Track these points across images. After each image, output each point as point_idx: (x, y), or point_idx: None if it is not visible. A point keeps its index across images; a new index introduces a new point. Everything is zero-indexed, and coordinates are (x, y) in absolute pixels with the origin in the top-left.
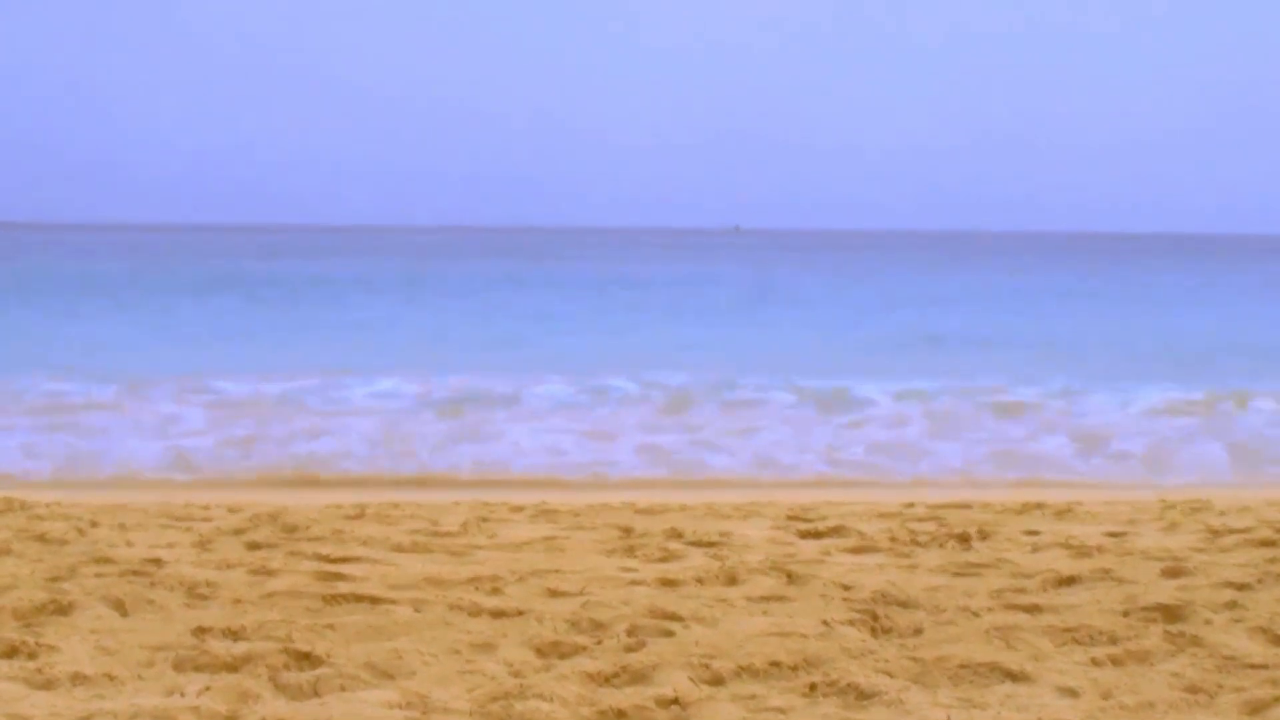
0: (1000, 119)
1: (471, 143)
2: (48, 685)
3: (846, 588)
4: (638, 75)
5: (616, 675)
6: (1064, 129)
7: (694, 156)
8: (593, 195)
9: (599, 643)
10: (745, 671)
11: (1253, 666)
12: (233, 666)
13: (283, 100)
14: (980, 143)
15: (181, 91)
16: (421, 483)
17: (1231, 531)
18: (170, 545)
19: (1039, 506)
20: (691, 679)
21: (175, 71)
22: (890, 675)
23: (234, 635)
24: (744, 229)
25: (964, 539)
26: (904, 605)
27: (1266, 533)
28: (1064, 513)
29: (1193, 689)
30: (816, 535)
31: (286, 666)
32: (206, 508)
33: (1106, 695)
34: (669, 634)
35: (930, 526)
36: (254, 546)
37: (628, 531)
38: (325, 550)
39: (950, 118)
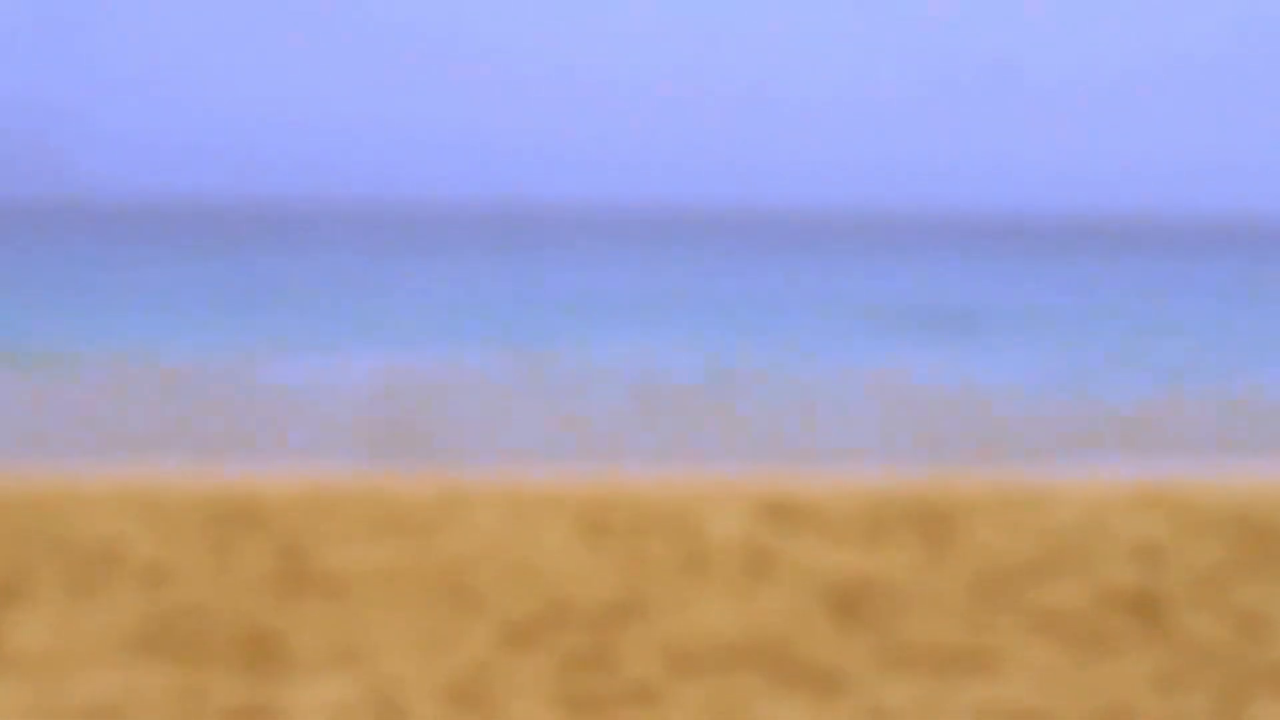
0: (973, 60)
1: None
2: (1, 670)
3: (817, 573)
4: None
5: (584, 661)
6: (1058, 73)
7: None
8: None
9: (566, 629)
10: (714, 658)
11: (1225, 654)
12: (192, 651)
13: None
14: (944, 93)
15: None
16: (395, 460)
17: (1204, 518)
18: (127, 527)
19: (1012, 492)
20: (660, 665)
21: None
22: (860, 662)
23: (194, 619)
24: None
25: (936, 524)
26: (875, 591)
27: (1238, 520)
28: (1037, 499)
29: (1165, 676)
30: (787, 520)
31: (247, 651)
32: (166, 486)
33: (1078, 682)
34: (638, 620)
35: (902, 512)
36: (214, 529)
37: (595, 516)
38: (287, 533)
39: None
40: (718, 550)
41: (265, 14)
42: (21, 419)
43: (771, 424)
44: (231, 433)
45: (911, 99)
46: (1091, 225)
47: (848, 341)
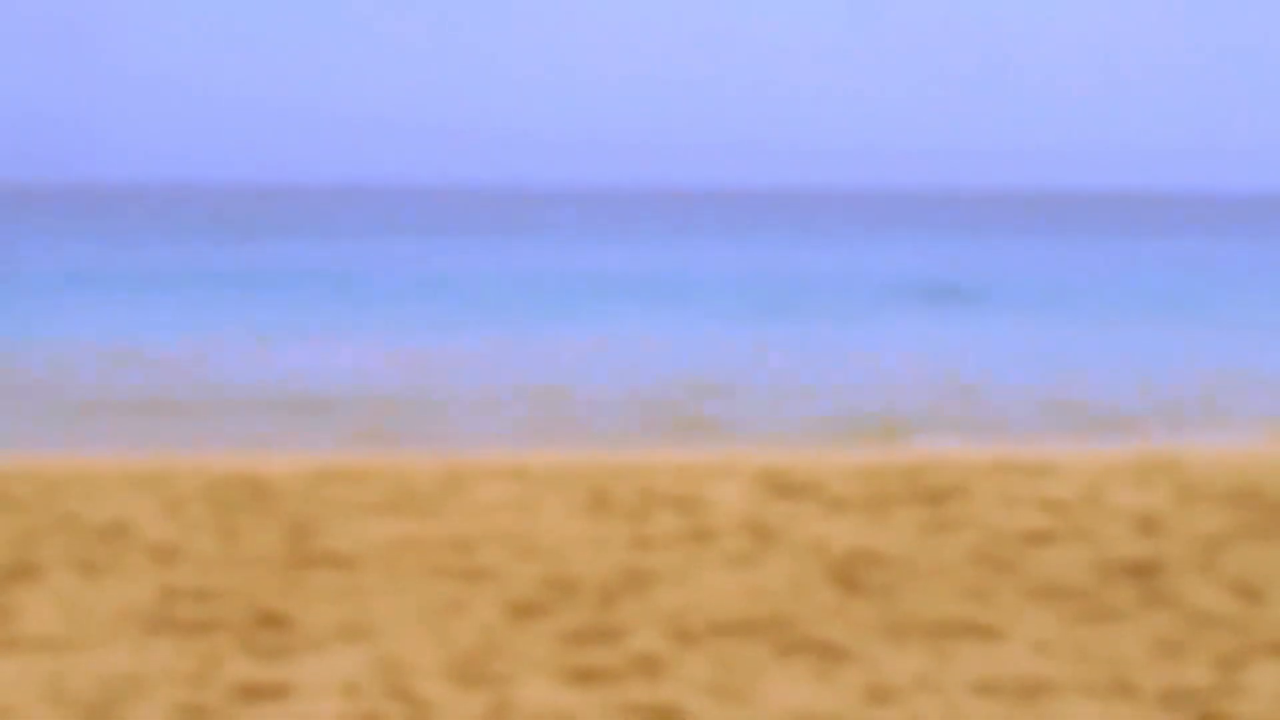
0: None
1: None
2: (13, 648)
3: (819, 546)
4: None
5: (588, 634)
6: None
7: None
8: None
9: (571, 603)
10: (717, 630)
11: (1223, 621)
12: (201, 628)
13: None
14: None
15: None
16: (395, 441)
17: (1203, 488)
18: (137, 507)
19: (1012, 464)
20: (663, 638)
21: None
22: (862, 633)
23: (202, 597)
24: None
25: (937, 497)
26: (877, 563)
27: (1236, 489)
28: (1037, 470)
29: (1164, 643)
30: (789, 493)
31: (256, 628)
32: (173, 468)
33: (1079, 651)
34: (641, 593)
35: (903, 484)
36: (222, 507)
37: (599, 491)
38: (295, 511)
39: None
40: (721, 524)
41: (260, 12)
42: (29, 404)
43: (774, 399)
44: (237, 415)
45: (916, 83)
46: (1091, 201)
47: (850, 317)
